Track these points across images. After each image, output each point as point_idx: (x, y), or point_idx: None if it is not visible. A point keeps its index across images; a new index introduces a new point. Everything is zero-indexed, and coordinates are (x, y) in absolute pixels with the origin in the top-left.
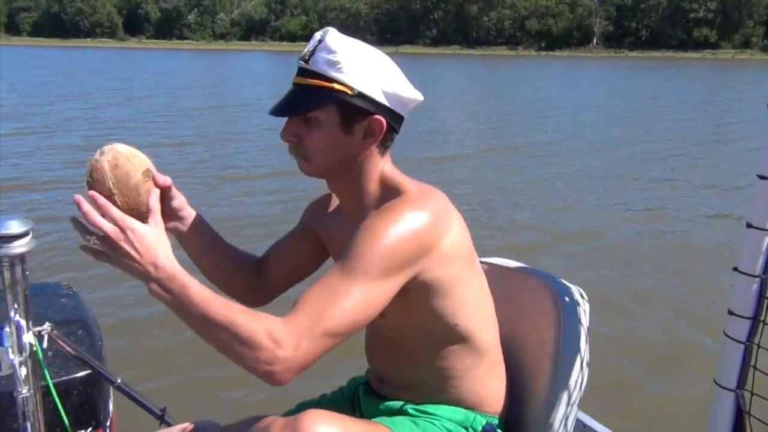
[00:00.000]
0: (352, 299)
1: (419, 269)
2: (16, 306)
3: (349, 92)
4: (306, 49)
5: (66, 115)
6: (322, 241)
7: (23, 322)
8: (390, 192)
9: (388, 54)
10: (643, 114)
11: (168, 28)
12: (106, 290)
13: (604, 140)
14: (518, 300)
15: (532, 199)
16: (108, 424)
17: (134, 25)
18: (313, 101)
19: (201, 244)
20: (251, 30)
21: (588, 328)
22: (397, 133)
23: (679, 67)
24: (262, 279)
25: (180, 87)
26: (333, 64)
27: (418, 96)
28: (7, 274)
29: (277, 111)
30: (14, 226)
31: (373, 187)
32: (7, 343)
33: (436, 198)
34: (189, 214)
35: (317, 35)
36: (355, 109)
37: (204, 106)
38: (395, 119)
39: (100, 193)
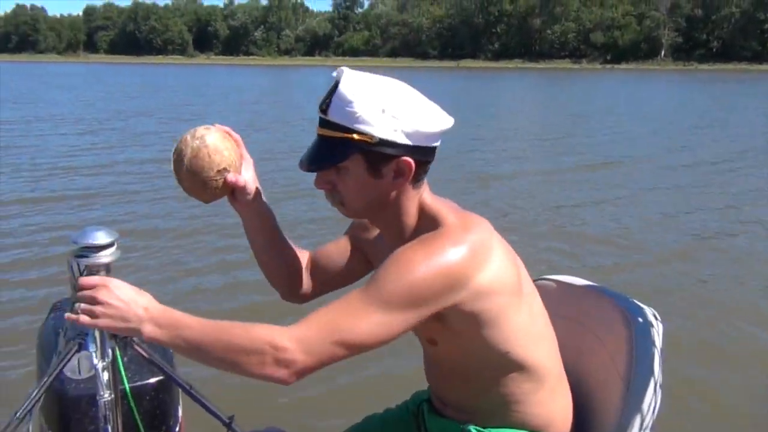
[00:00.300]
0: (368, 321)
1: (449, 303)
2: None
3: (370, 141)
4: (324, 96)
5: (140, 130)
6: (368, 257)
7: None
8: (429, 223)
9: (449, 69)
10: (719, 128)
11: (235, 44)
12: (179, 303)
13: (678, 155)
14: (587, 319)
15: (606, 216)
16: (177, 429)
17: (203, 42)
18: (336, 154)
19: (262, 240)
20: (315, 45)
21: (662, 351)
22: (430, 163)
23: (754, 79)
24: (304, 281)
25: (247, 102)
26: (350, 116)
27: (444, 125)
28: None
29: (305, 166)
30: (101, 237)
31: (411, 219)
32: (91, 348)
33: (474, 230)
34: (259, 208)
35: (333, 75)
36: (379, 156)
37: (270, 120)
38: (424, 153)
39: (176, 168)
